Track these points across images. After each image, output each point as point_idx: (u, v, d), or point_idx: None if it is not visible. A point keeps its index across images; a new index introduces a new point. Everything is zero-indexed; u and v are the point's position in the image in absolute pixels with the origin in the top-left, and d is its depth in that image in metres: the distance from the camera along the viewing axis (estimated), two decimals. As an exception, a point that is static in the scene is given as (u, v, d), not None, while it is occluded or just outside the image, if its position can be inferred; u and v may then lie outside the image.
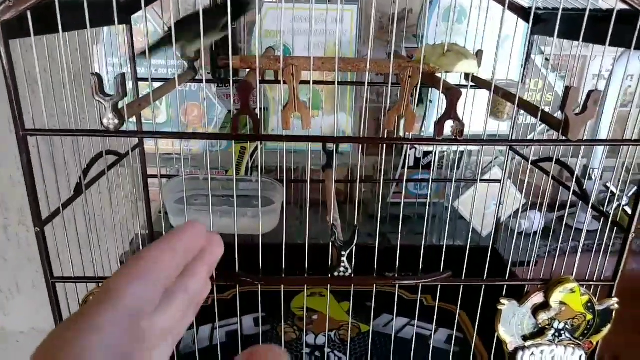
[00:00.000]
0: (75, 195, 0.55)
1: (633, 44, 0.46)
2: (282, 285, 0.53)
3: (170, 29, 0.46)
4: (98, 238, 0.58)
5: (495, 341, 0.57)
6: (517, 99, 0.48)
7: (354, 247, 0.51)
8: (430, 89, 0.94)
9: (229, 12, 0.42)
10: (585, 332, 0.55)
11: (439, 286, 0.56)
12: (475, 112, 0.66)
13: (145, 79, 0.75)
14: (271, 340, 0.71)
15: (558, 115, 0.48)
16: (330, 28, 0.87)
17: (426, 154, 1.05)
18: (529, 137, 0.88)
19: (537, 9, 0.69)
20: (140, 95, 0.75)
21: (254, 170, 0.98)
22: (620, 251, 0.53)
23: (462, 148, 0.97)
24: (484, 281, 0.55)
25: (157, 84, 0.59)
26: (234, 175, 0.88)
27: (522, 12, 0.69)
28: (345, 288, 0.56)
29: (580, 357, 0.56)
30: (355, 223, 0.50)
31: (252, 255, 0.53)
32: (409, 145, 0.93)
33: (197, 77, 0.69)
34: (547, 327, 0.55)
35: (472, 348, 0.60)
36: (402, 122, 0.49)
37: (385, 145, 0.55)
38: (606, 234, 0.55)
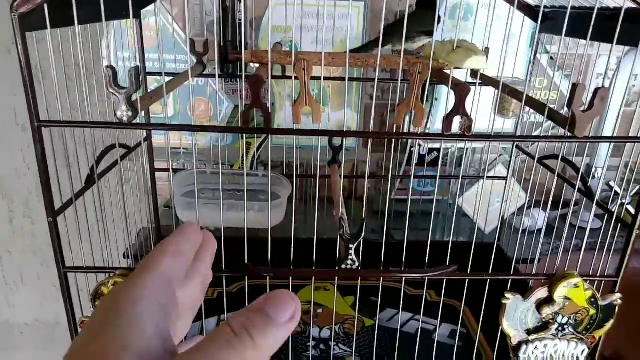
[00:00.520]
0: (86, 187, 0.55)
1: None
2: (291, 278, 0.54)
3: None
4: (107, 230, 0.58)
5: (499, 335, 0.57)
6: (524, 96, 0.49)
7: (362, 241, 0.52)
8: (435, 87, 0.94)
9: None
10: (589, 326, 0.56)
11: (444, 281, 0.56)
12: (480, 109, 0.67)
13: (153, 73, 0.76)
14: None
15: (564, 112, 0.49)
16: (337, 24, 0.88)
17: (431, 150, 1.05)
18: (534, 134, 0.89)
19: (544, 7, 0.70)
20: (149, 89, 0.75)
21: (259, 165, 0.99)
22: (624, 247, 0.54)
23: (467, 145, 0.98)
24: (489, 275, 0.56)
25: (167, 79, 0.59)
26: (244, 169, 0.89)
27: (529, 11, 0.69)
28: (352, 282, 0.56)
29: (583, 351, 0.57)
30: (363, 217, 0.51)
31: (257, 249, 0.54)
32: (416, 142, 0.94)
33: (205, 72, 0.70)
34: (550, 321, 0.55)
35: (476, 341, 0.61)
36: (409, 117, 0.50)
37: (392, 140, 0.56)
38: (610, 232, 0.56)
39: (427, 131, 0.95)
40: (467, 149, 1.01)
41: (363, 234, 0.51)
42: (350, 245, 0.51)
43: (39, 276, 1.41)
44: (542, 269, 0.57)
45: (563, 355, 0.57)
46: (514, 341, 0.57)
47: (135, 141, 0.70)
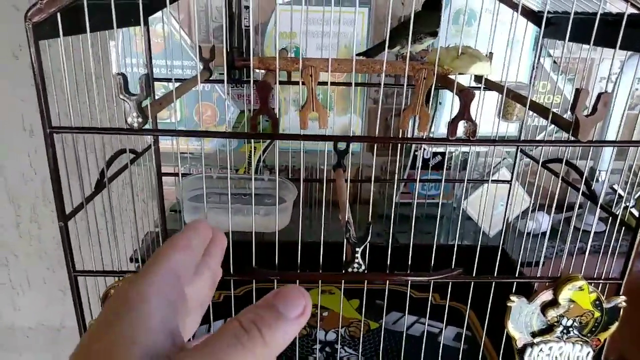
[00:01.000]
0: (96, 191, 0.56)
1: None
2: (298, 281, 0.54)
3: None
4: (115, 234, 0.59)
5: (504, 338, 0.58)
6: (528, 100, 0.49)
7: (368, 245, 0.53)
8: (439, 92, 0.95)
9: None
10: (593, 329, 0.57)
11: (450, 284, 0.57)
12: (484, 113, 0.67)
13: (161, 79, 0.77)
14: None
15: (567, 116, 0.49)
16: (342, 30, 0.88)
17: (434, 154, 1.06)
18: (538, 139, 0.89)
19: (547, 12, 0.70)
20: (156, 96, 0.76)
21: (264, 170, 1.00)
22: (629, 249, 0.54)
23: (471, 149, 0.98)
24: (494, 278, 0.56)
25: (175, 84, 0.60)
26: (252, 174, 0.89)
27: (532, 16, 0.70)
28: (357, 286, 0.57)
29: (588, 354, 0.57)
30: (369, 220, 0.52)
31: (263, 253, 0.54)
32: (420, 146, 0.94)
33: (211, 78, 0.71)
34: (555, 324, 0.56)
35: (482, 344, 0.61)
36: (412, 122, 0.50)
37: (398, 145, 0.56)
38: (614, 235, 0.57)
39: (431, 135, 0.96)
40: (471, 152, 1.02)
41: (369, 238, 0.52)
42: (357, 249, 0.52)
43: (45, 280, 1.42)
44: (547, 272, 0.58)
45: (568, 358, 0.57)
46: (519, 344, 0.57)
47: (142, 146, 0.71)
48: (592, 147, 0.55)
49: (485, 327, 0.59)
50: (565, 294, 0.54)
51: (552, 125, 0.56)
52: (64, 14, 0.45)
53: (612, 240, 0.56)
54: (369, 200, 1.06)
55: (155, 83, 0.77)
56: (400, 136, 0.51)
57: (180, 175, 0.52)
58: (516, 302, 0.55)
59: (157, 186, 0.81)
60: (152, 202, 0.81)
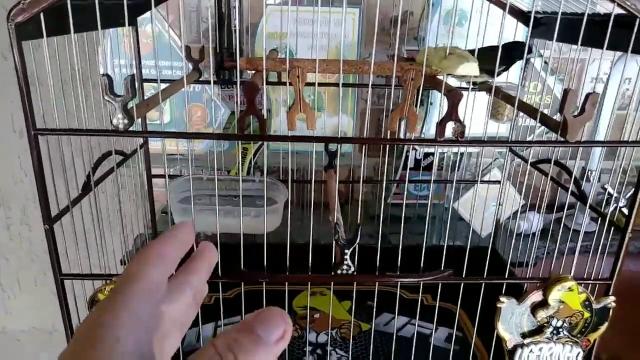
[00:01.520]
0: (82, 194, 0.56)
1: (630, 48, 0.47)
2: (287, 283, 0.54)
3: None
4: (104, 237, 0.58)
5: (494, 339, 0.58)
6: (516, 100, 0.49)
7: (357, 246, 0.52)
8: (430, 92, 0.95)
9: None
10: (583, 329, 0.57)
11: (440, 285, 0.57)
12: (475, 113, 0.67)
13: (150, 80, 0.76)
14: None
15: (557, 117, 0.49)
16: (333, 31, 0.88)
17: (427, 155, 1.06)
18: (528, 139, 0.90)
19: (537, 12, 0.70)
20: (146, 96, 0.76)
21: (256, 171, 0.99)
22: (617, 250, 0.54)
23: (462, 149, 0.98)
24: (483, 279, 0.56)
25: (163, 85, 0.60)
26: (240, 175, 0.89)
27: (522, 16, 0.70)
28: (348, 287, 0.57)
29: (578, 354, 0.58)
30: (358, 222, 0.51)
31: (254, 255, 0.54)
32: (410, 147, 0.94)
33: (201, 79, 0.71)
34: (545, 324, 0.56)
35: (472, 344, 0.61)
36: (404, 123, 0.50)
37: (387, 146, 0.56)
38: (603, 234, 0.57)
39: (422, 135, 0.96)
40: (463, 153, 1.02)
41: (358, 240, 0.51)
42: (346, 251, 0.52)
43: (37, 283, 1.41)
44: (538, 272, 0.58)
45: (558, 359, 0.57)
46: (509, 345, 0.57)
47: (132, 147, 0.71)
48: (582, 147, 0.55)
49: (476, 327, 0.59)
50: (555, 294, 0.54)
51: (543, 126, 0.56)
52: (47, 14, 0.44)
53: (602, 240, 0.56)
54: (362, 201, 1.06)
55: (145, 84, 0.76)
56: (389, 137, 0.51)
57: (167, 177, 0.52)
58: (506, 303, 0.55)
59: (148, 188, 0.81)
60: (143, 204, 0.81)
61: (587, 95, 0.46)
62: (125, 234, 0.72)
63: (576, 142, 0.48)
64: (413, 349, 0.63)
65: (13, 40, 0.43)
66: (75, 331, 0.26)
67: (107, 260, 0.60)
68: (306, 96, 0.72)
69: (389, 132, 0.52)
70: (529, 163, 0.53)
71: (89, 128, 0.49)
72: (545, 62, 0.96)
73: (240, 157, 0.94)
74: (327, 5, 0.87)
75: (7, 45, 0.43)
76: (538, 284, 0.56)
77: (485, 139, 0.63)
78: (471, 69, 0.50)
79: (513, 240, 0.71)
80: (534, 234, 0.93)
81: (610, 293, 0.56)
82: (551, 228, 0.82)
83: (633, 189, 0.52)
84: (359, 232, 0.51)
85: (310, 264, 0.54)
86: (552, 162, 0.52)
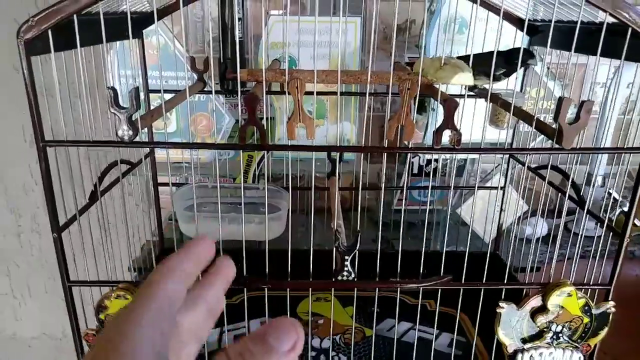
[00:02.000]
0: (90, 203, 0.57)
1: (623, 56, 0.48)
2: (288, 289, 0.55)
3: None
4: (111, 244, 0.60)
5: (495, 344, 0.58)
6: (512, 107, 0.50)
7: (357, 252, 0.53)
8: (431, 99, 0.96)
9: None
10: (583, 334, 0.57)
11: (440, 291, 0.57)
12: (476, 120, 0.68)
13: (156, 91, 0.78)
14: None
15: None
16: (335, 40, 0.90)
17: (430, 161, 1.07)
18: (531, 145, 0.90)
19: (535, 20, 0.71)
20: (152, 106, 0.77)
21: (260, 178, 1.01)
22: (616, 255, 0.55)
23: (464, 156, 0.99)
24: (482, 285, 0.57)
25: (167, 95, 0.61)
26: (242, 183, 0.90)
27: (520, 24, 0.71)
28: (349, 293, 0.57)
29: (579, 359, 0.58)
30: (358, 228, 0.52)
31: (259, 262, 0.55)
32: (411, 154, 0.95)
33: (206, 89, 0.72)
34: (545, 330, 0.56)
35: (473, 349, 0.62)
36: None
37: (388, 153, 0.57)
38: (602, 239, 0.57)
39: (424, 141, 0.97)
40: (465, 159, 1.02)
41: (358, 246, 0.52)
42: (346, 257, 0.52)
43: (46, 289, 1.43)
44: (543, 278, 0.58)
45: (559, 363, 0.58)
46: (510, 350, 0.58)
47: (139, 156, 0.72)
48: (580, 153, 0.55)
49: (476, 333, 0.60)
50: (554, 300, 0.54)
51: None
52: (55, 30, 0.46)
53: (600, 246, 0.57)
54: (365, 207, 1.07)
55: (152, 94, 0.78)
56: (387, 145, 0.52)
57: (170, 184, 0.53)
58: (506, 309, 0.56)
59: (154, 196, 0.82)
60: (150, 212, 0.82)
61: (582, 103, 0.47)
62: (133, 242, 0.74)
63: (572, 148, 0.49)
64: (414, 354, 0.63)
65: (22, 56, 0.44)
66: (97, 337, 0.26)
67: (115, 268, 0.61)
68: (308, 105, 0.73)
69: (396, 139, 0.53)
70: (525, 167, 0.54)
71: (95, 139, 0.50)
72: (548, 68, 0.97)
73: (244, 165, 0.95)
74: (328, 15, 0.88)
75: (18, 58, 0.44)
76: (538, 290, 0.56)
77: (485, 146, 0.63)
78: (466, 78, 0.51)
79: (516, 246, 0.71)
80: (538, 239, 0.94)
81: (610, 298, 0.56)
82: (552, 233, 0.82)
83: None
84: (359, 239, 0.52)
85: (311, 270, 0.55)
86: (549, 168, 0.53)
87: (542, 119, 0.53)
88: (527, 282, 0.61)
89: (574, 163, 0.58)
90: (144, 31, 0.73)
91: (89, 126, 0.52)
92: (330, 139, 0.95)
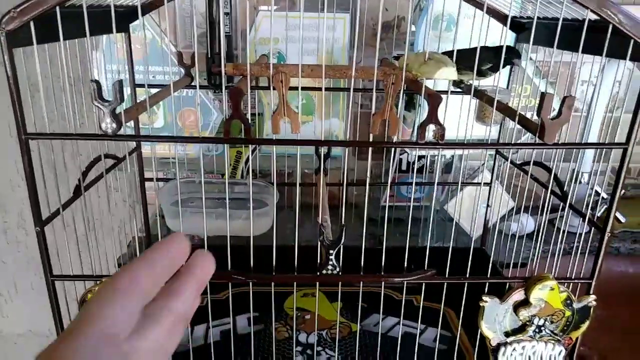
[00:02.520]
0: (74, 197, 0.57)
1: (604, 52, 0.48)
2: (273, 283, 0.55)
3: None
4: (96, 239, 0.60)
5: (478, 337, 0.59)
6: (495, 102, 0.50)
7: (342, 247, 0.53)
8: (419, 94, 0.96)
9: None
10: (565, 328, 0.57)
11: (426, 286, 0.58)
12: (463, 116, 0.69)
13: (142, 85, 0.78)
14: (264, 338, 0.73)
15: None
16: (323, 36, 0.90)
17: (419, 157, 1.07)
18: (519, 141, 0.91)
19: (521, 17, 0.72)
20: (138, 101, 0.77)
21: (248, 174, 1.00)
22: (597, 249, 0.55)
23: (452, 152, 1.00)
24: (466, 279, 0.57)
25: (154, 90, 0.61)
26: (227, 178, 0.90)
27: (506, 21, 0.71)
28: (336, 289, 0.58)
29: (560, 352, 0.58)
30: (342, 222, 0.52)
31: (246, 257, 0.55)
32: (396, 149, 0.95)
33: (192, 83, 0.72)
34: (527, 323, 0.57)
35: (456, 344, 0.62)
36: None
37: (375, 148, 0.57)
38: (586, 235, 0.58)
39: (413, 137, 0.97)
40: (453, 155, 1.03)
41: (343, 240, 0.53)
42: (331, 251, 0.53)
43: (33, 286, 1.42)
44: (530, 273, 0.58)
45: (541, 357, 0.58)
46: (493, 343, 0.58)
47: (126, 151, 0.72)
48: (563, 149, 0.56)
49: (460, 327, 0.60)
50: (537, 293, 0.55)
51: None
52: (38, 22, 0.45)
53: (585, 242, 0.57)
54: (354, 203, 1.07)
55: (139, 89, 0.78)
56: (372, 140, 0.52)
57: (155, 180, 0.53)
58: (489, 302, 0.56)
59: (140, 191, 0.82)
60: (135, 208, 0.82)
61: (564, 98, 0.48)
62: (119, 237, 0.73)
63: (554, 144, 0.49)
64: (398, 348, 0.63)
65: (4, 48, 0.44)
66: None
67: (100, 263, 0.61)
68: (298, 100, 0.73)
69: (385, 134, 0.53)
70: (509, 162, 0.54)
71: (78, 132, 0.50)
72: (537, 67, 0.98)
73: (233, 161, 0.95)
74: (316, 11, 0.88)
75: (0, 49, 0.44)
76: (522, 283, 0.57)
77: (473, 141, 0.64)
78: (449, 73, 0.51)
79: (502, 241, 0.72)
80: (524, 235, 0.94)
81: (591, 292, 0.57)
82: (539, 229, 0.83)
83: (624, 191, 0.53)
84: (344, 233, 0.52)
85: (296, 265, 0.55)
86: (532, 163, 0.53)
87: (529, 116, 0.53)
88: (506, 276, 0.62)
89: (558, 160, 0.58)
90: (131, 25, 0.72)
91: (71, 119, 0.52)
92: (319, 135, 0.95)
